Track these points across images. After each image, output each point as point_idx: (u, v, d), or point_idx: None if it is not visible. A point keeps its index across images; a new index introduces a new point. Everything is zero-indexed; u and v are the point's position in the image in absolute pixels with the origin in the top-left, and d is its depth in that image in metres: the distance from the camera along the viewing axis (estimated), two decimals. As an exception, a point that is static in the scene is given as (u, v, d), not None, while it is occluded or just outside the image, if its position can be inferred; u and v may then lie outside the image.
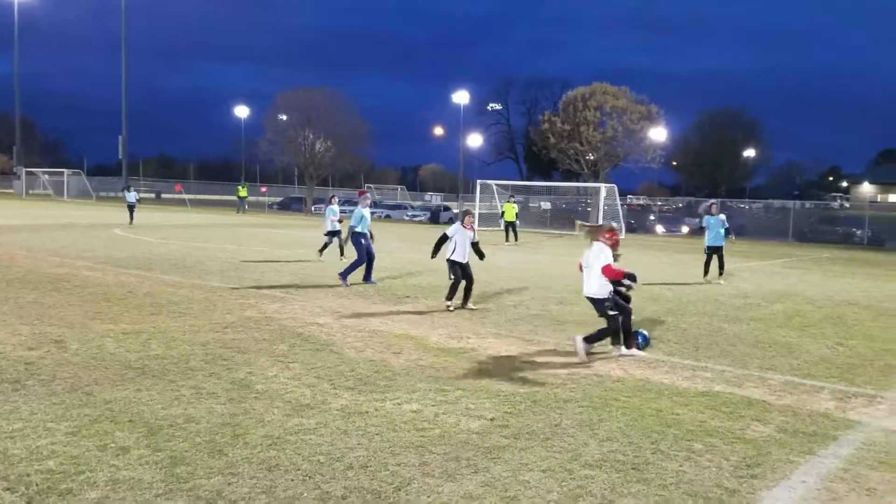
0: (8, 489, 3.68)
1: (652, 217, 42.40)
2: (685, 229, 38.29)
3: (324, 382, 5.96)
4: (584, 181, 41.65)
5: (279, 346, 7.30)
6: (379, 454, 4.38)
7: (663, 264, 19.31)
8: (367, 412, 5.20)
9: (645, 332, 7.92)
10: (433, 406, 5.42)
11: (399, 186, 77.65)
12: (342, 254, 15.70)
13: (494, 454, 4.47)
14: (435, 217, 43.70)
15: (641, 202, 55.97)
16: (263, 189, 59.21)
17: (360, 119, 51.31)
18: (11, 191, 61.92)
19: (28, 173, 60.95)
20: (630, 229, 36.07)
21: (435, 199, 75.86)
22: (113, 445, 4.33)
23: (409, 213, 47.89)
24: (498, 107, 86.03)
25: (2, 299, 9.28)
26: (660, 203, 51.79)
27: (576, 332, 7.83)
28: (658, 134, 40.52)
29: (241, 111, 66.36)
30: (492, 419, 5.16)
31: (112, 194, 59.75)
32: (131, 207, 25.77)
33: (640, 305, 10.56)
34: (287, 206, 54.08)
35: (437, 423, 5.03)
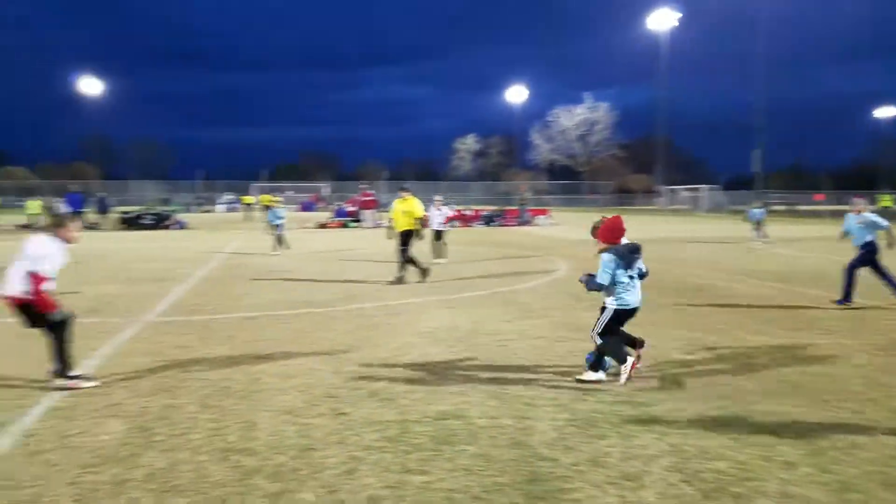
0: (684, 481, 4.08)
1: None
2: None
3: None
4: None
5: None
6: None
7: None
8: None
9: None
10: None
11: None
12: None
13: None
14: None
15: None
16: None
17: None
18: (654, 207, 69.56)
19: (670, 190, 67.47)
20: None
21: None
22: (778, 458, 4.37)
23: None
24: None
25: (658, 306, 10.43)
26: None
27: None
28: None
29: (886, 112, 59.11)
30: None
31: (741, 208, 61.11)
32: (758, 223, 25.69)
33: None
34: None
35: None
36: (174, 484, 4.06)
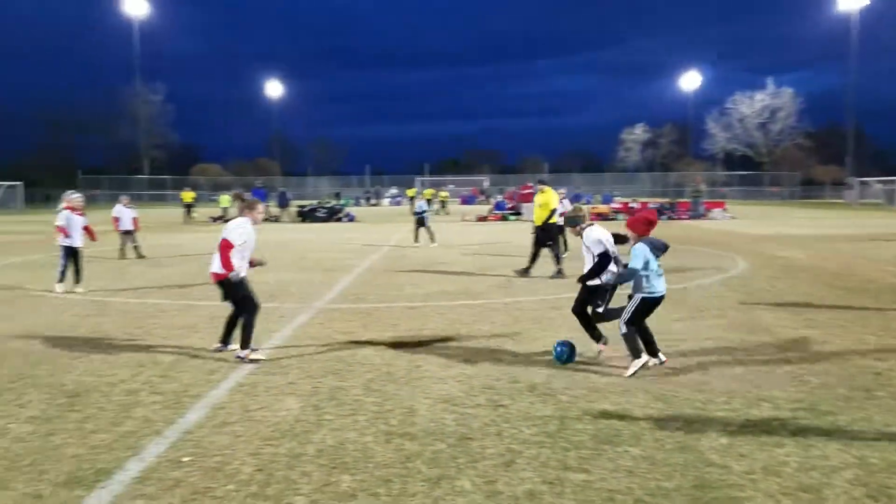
0: (870, 496, 3.70)
1: None
2: None
3: None
4: None
5: None
6: None
7: None
8: None
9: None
10: None
11: None
12: None
13: None
14: None
15: None
16: None
17: None
18: (842, 200, 63.47)
19: (860, 183, 61.27)
20: None
21: None
22: None
23: None
24: None
25: (842, 307, 9.50)
26: None
27: None
28: None
29: None
30: None
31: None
32: None
33: None
34: None
35: None
36: (342, 461, 4.28)
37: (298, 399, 5.54)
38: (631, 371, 6.11)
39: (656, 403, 5.37)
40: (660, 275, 6.15)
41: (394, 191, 71.81)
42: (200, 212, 39.57)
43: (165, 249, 19.25)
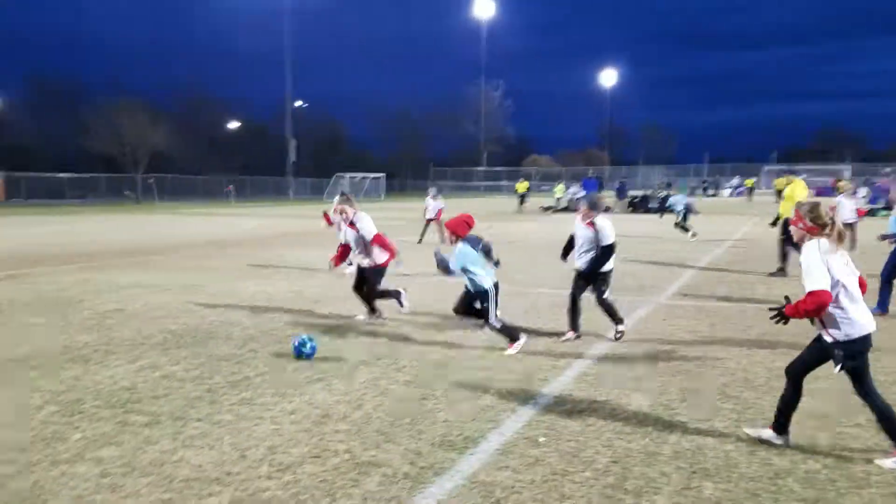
0: None
1: None
2: None
3: None
4: None
5: None
6: None
7: None
8: None
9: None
10: None
11: None
12: None
13: None
14: None
15: None
16: None
17: None
18: None
19: None
20: None
21: None
22: None
23: None
24: None
25: None
26: None
27: None
28: None
29: None
30: None
31: None
32: None
33: None
34: None
35: None
36: (702, 467, 4.05)
37: (646, 395, 5.40)
38: (514, 350, 6.67)
39: None
40: (492, 270, 6.82)
41: (735, 181, 66.83)
42: (533, 202, 41.36)
43: (496, 238, 20.47)
